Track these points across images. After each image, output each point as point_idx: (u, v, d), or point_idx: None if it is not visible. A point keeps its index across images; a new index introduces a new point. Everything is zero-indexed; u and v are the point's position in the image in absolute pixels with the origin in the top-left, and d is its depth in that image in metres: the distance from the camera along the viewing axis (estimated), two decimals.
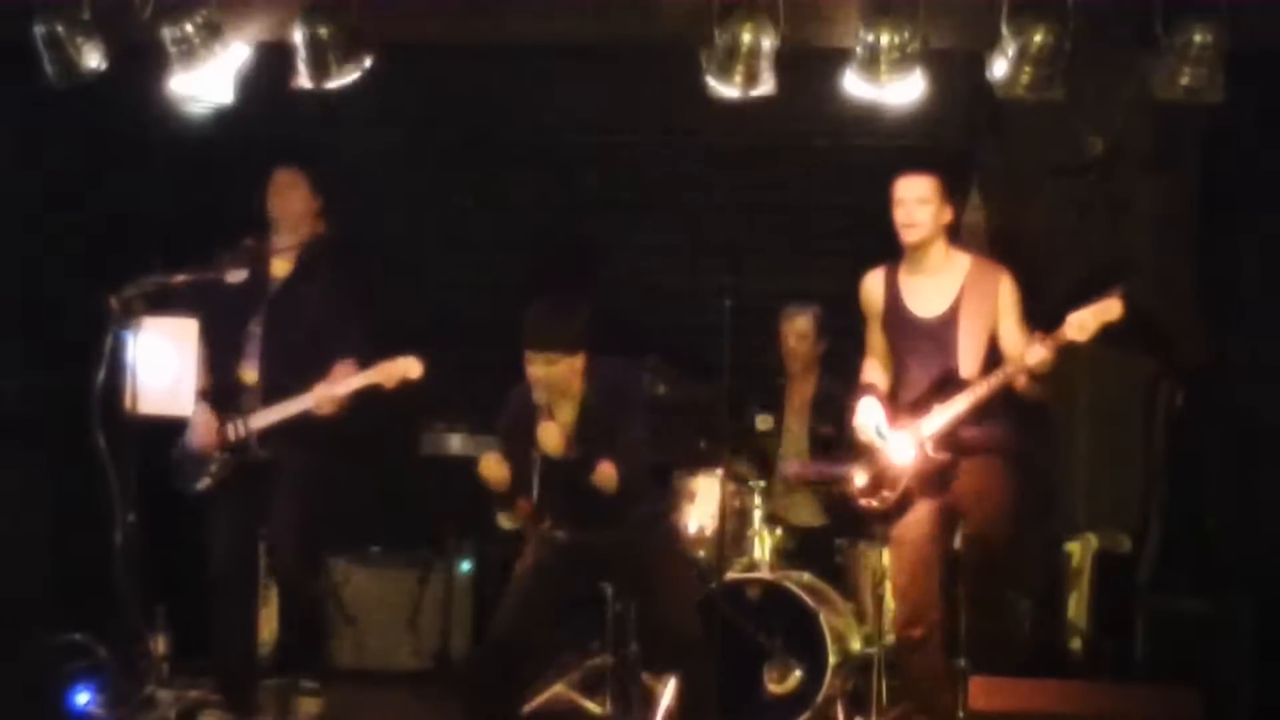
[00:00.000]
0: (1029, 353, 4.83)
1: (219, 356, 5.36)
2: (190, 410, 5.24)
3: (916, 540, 5.02)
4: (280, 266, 5.42)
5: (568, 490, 4.91)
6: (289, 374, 5.29)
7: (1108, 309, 4.76)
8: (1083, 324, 4.76)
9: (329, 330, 5.35)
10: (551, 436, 4.82)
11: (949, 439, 4.96)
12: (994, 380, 4.89)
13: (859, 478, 5.17)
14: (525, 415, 4.95)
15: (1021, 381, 4.91)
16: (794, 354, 6.33)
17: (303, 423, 5.25)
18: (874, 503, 5.14)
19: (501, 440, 5.07)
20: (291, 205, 5.42)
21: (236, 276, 5.35)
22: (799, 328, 6.31)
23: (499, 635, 4.95)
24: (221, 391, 5.35)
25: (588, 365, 4.94)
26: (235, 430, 5.28)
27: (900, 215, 4.99)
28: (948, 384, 4.95)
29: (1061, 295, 5.05)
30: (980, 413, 4.94)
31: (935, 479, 5.00)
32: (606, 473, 4.83)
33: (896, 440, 5.01)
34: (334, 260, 5.44)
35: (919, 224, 4.97)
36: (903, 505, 5.06)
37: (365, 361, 5.30)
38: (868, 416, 5.09)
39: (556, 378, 4.86)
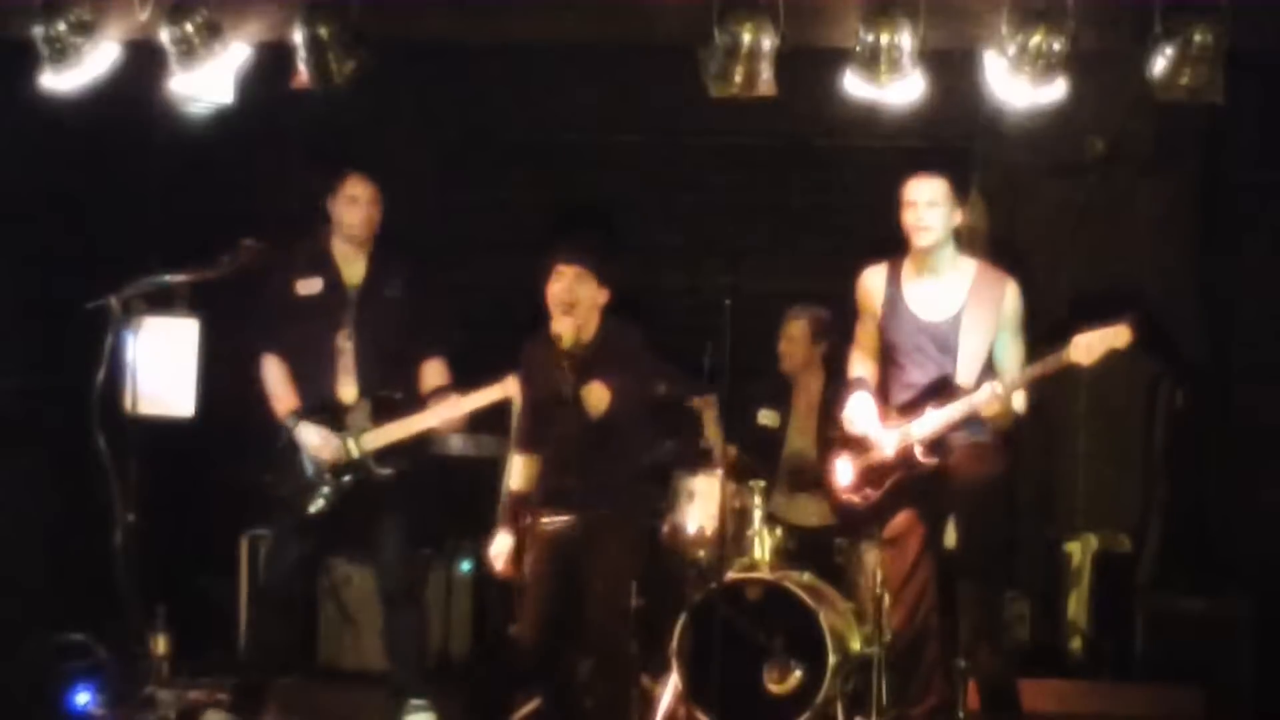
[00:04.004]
0: (978, 393, 4.81)
1: (309, 374, 5.30)
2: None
3: (907, 540, 5.01)
4: (352, 274, 5.36)
5: (577, 442, 4.92)
6: (389, 384, 5.28)
7: (1117, 335, 4.68)
8: (1089, 347, 4.69)
9: (414, 331, 5.35)
10: (597, 395, 4.83)
11: (938, 444, 4.94)
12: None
13: (844, 474, 5.16)
14: (540, 357, 5.01)
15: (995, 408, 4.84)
16: (786, 356, 6.31)
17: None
18: (855, 499, 5.13)
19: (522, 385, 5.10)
20: (360, 212, 5.33)
21: (308, 288, 5.30)
22: (791, 331, 6.27)
23: (528, 641, 5.05)
24: (320, 411, 5.27)
25: (603, 314, 4.99)
26: (351, 450, 5.23)
27: (910, 218, 4.93)
28: (944, 389, 4.92)
29: (1068, 309, 4.99)
30: (971, 421, 4.90)
31: (922, 482, 4.98)
32: (598, 393, 4.83)
33: (887, 436, 5.00)
34: (402, 260, 5.42)
35: (930, 227, 4.91)
36: (889, 506, 5.05)
37: (450, 358, 5.37)
38: (859, 411, 5.07)
39: (580, 295, 4.91)
